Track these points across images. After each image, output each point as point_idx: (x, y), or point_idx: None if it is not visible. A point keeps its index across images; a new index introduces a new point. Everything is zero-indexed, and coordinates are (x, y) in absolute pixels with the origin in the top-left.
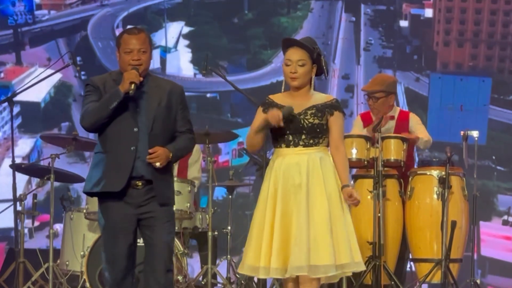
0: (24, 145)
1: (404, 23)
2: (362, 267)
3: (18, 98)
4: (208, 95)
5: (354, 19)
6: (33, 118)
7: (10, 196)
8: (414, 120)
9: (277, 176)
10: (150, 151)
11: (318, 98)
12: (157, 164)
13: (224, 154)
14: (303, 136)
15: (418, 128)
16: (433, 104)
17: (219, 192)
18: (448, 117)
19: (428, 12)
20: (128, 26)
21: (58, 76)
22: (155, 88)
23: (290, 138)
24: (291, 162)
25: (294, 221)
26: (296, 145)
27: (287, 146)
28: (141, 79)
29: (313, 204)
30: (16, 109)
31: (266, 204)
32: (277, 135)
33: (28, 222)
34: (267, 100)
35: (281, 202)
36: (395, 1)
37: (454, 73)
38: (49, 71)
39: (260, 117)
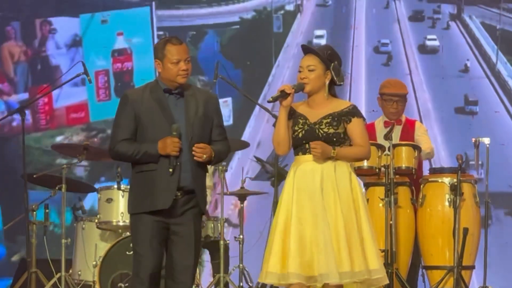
0: None
1: None
2: (379, 274)
3: None
4: None
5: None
6: None
7: None
8: (421, 130)
9: (293, 183)
10: (197, 145)
11: (335, 105)
12: (204, 156)
13: None
14: None
15: (423, 138)
16: None
17: None
18: None
19: None
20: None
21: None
22: (191, 97)
23: (307, 146)
24: (306, 169)
25: (311, 228)
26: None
27: (304, 153)
28: (179, 148)
29: (328, 210)
30: None
31: (280, 211)
32: (296, 144)
33: None
34: None
35: (296, 209)
36: None
37: None
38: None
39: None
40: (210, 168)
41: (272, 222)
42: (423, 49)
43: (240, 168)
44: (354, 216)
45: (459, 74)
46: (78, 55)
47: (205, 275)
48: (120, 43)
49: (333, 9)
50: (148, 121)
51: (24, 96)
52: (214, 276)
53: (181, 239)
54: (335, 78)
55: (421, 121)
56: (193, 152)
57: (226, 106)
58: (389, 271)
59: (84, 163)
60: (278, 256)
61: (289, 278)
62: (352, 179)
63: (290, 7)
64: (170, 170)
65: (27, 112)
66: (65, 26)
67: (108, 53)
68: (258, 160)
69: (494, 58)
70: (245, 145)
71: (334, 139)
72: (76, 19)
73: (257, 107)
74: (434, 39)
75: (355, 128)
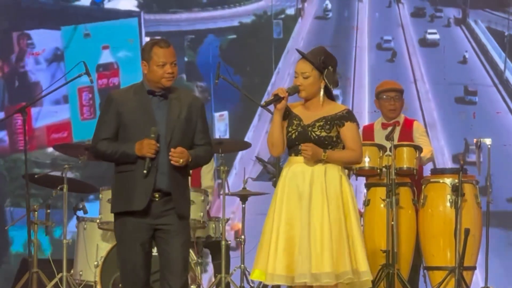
0: None
1: None
2: (367, 276)
3: None
4: None
5: None
6: None
7: None
8: (419, 131)
9: (285, 183)
10: (174, 150)
11: (330, 109)
12: (180, 161)
13: None
14: None
15: (421, 140)
16: None
17: None
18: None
19: None
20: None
21: None
22: (175, 100)
23: (299, 147)
24: (296, 170)
25: (298, 229)
26: None
27: (296, 154)
28: (156, 150)
29: (314, 212)
30: None
31: (274, 212)
32: (289, 145)
33: None
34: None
35: (286, 209)
36: None
37: None
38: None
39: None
40: (211, 169)
41: (265, 220)
42: (423, 42)
43: (242, 169)
44: (343, 219)
45: (459, 66)
46: (60, 71)
47: (206, 275)
48: (106, 57)
49: (335, 13)
50: (130, 122)
51: (0, 115)
52: (215, 277)
53: (167, 234)
54: (329, 85)
55: (424, 122)
56: (170, 157)
57: (222, 120)
58: (391, 271)
59: (76, 173)
60: (270, 255)
61: (274, 279)
62: (343, 183)
63: (290, 11)
64: (145, 171)
65: (4, 132)
66: (45, 40)
67: (92, 68)
68: (260, 160)
69: (501, 66)
70: (247, 145)
71: (326, 142)
72: (57, 32)
73: (256, 117)
74: (435, 33)
75: (347, 132)
